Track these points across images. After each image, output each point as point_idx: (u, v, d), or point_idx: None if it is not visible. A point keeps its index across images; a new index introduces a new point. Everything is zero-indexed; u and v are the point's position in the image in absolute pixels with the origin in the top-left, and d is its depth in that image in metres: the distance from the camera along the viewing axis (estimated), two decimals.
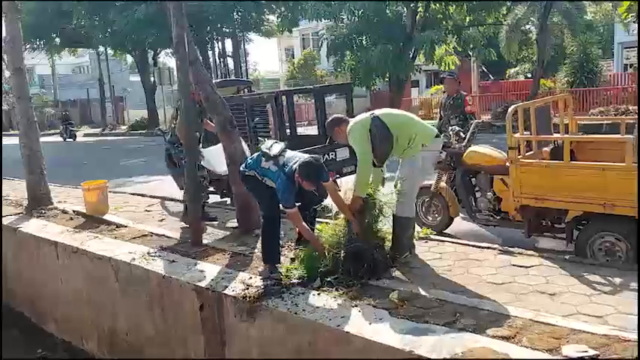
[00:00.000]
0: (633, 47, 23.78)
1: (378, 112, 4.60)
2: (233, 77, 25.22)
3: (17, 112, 7.81)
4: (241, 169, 4.75)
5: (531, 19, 22.48)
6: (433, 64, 22.09)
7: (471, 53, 23.49)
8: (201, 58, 21.96)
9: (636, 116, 10.37)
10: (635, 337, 2.90)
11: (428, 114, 22.75)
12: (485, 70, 29.94)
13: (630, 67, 25.20)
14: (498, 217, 5.51)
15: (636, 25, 15.57)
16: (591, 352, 2.79)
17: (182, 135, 5.79)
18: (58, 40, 32.25)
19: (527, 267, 4.18)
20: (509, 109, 4.95)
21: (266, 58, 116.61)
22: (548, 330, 3.09)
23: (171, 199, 7.80)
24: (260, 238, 4.71)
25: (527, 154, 5.12)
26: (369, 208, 4.41)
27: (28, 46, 31.03)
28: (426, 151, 4.50)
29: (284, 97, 7.50)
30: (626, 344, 2.85)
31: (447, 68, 21.62)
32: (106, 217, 6.81)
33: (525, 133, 5.12)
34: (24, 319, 6.79)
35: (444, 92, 7.84)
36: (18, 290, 6.92)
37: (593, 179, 4.36)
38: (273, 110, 7.10)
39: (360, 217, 4.37)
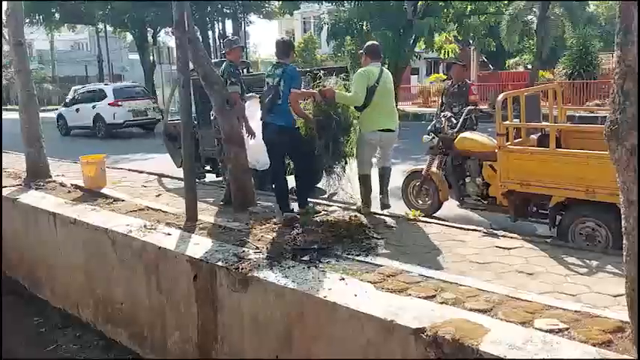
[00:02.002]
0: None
1: (384, 79, 5.49)
2: None
3: (17, 85, 7.91)
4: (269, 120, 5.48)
5: (533, 9, 22.54)
6: (433, 51, 22.16)
7: (471, 42, 23.56)
8: (201, 38, 21.77)
9: None
10: (604, 313, 3.08)
11: (426, 102, 22.86)
12: (485, 59, 30.02)
13: None
14: (486, 202, 5.67)
15: None
16: (561, 326, 2.96)
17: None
18: (57, 15, 32.08)
19: (509, 248, 4.35)
20: (499, 97, 5.09)
21: (267, 40, 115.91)
22: (523, 305, 3.25)
23: (168, 176, 7.93)
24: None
25: (515, 141, 5.27)
26: (331, 109, 5.41)
27: (27, 21, 30.90)
28: (369, 135, 5.51)
29: None
30: (595, 320, 3.02)
31: (446, 56, 21.70)
32: (104, 190, 6.96)
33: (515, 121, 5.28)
34: (19, 287, 6.95)
35: (448, 79, 7.96)
36: (14, 259, 7.06)
37: (577, 167, 4.52)
38: None
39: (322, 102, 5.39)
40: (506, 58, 30.29)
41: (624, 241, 2.62)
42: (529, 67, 27.40)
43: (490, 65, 29.47)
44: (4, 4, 7.80)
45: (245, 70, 9.76)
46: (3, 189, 7.35)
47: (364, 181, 5.68)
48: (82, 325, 5.94)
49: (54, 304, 6.38)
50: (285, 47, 5.61)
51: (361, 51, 5.75)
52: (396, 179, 7.04)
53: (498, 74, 25.82)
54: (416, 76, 32.21)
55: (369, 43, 5.92)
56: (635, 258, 2.57)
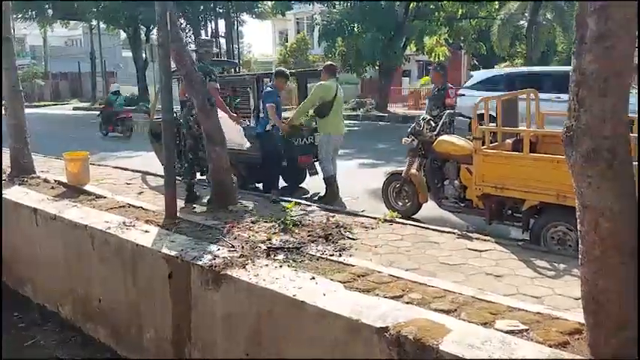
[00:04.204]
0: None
1: (340, 92, 7.22)
2: (224, 58, 25.20)
3: (3, 81, 7.91)
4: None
5: (525, 14, 22.69)
6: (424, 54, 22.26)
7: (462, 45, 23.69)
8: (193, 37, 21.84)
9: None
10: (564, 315, 3.15)
11: (415, 104, 22.94)
12: (476, 63, 30.16)
13: None
14: (463, 205, 5.74)
15: None
16: (521, 327, 3.03)
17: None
18: (50, 11, 31.97)
19: (481, 251, 4.42)
20: (476, 101, 5.16)
21: (261, 40, 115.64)
22: (487, 306, 3.32)
23: (152, 174, 7.96)
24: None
25: (492, 145, 5.34)
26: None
27: (19, 16, 30.82)
28: (333, 137, 7.24)
29: (266, 80, 7.67)
30: (555, 321, 3.09)
31: (437, 59, 21.81)
32: (87, 187, 6.97)
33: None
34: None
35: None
36: None
37: (548, 171, 4.59)
38: (254, 92, 7.28)
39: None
40: (497, 62, 30.44)
41: (580, 245, 2.69)
42: None
43: (481, 69, 29.58)
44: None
45: (233, 70, 9.83)
46: None
47: (332, 181, 7.21)
48: (61, 322, 5.96)
49: (34, 300, 6.39)
50: (274, 75, 7.37)
51: (320, 69, 7.56)
52: (378, 181, 7.13)
53: None
54: (407, 78, 32.30)
55: (327, 63, 7.93)
56: (590, 261, 2.63)
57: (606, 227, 2.51)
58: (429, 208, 6.38)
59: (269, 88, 7.18)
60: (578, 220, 2.67)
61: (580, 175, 2.58)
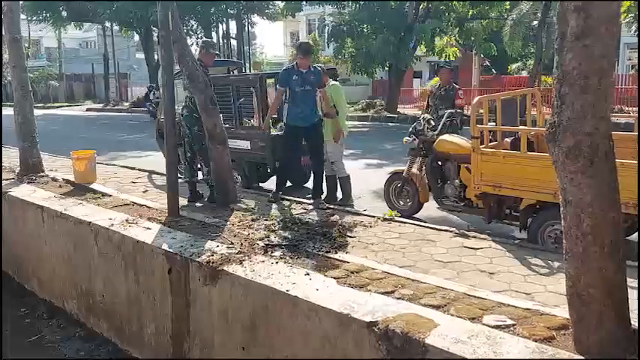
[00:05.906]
0: (637, 48, 23.81)
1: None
2: (235, 59, 25.36)
3: (13, 80, 8.06)
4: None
5: (538, 15, 22.55)
6: (434, 55, 22.23)
7: (473, 46, 23.61)
8: (203, 37, 22.00)
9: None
10: (552, 311, 3.18)
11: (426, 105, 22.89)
12: (488, 64, 30.05)
13: (632, 67, 25.29)
14: (462, 204, 5.76)
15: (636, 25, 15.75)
16: (509, 322, 3.05)
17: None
18: (64, 13, 32.38)
19: (476, 249, 4.45)
20: (474, 100, 5.18)
21: (274, 41, 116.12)
22: (477, 302, 3.35)
23: (158, 173, 8.06)
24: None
25: (491, 144, 5.37)
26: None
27: (34, 18, 31.25)
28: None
29: (270, 80, 7.73)
30: (543, 317, 3.12)
31: (448, 59, 21.75)
32: (93, 186, 7.09)
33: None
34: (8, 278, 7.09)
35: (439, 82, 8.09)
36: (4, 251, 7.20)
37: (545, 170, 4.59)
38: (257, 92, 7.34)
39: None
40: (510, 63, 30.31)
41: (563, 241, 2.72)
42: None
43: (493, 70, 29.49)
44: (3, 3, 7.94)
45: (236, 71, 9.91)
46: None
47: (345, 182, 6.99)
48: (66, 317, 6.06)
49: (40, 296, 6.52)
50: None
51: (320, 69, 7.04)
52: (383, 181, 7.16)
53: (500, 79, 25.85)
54: (419, 79, 32.23)
55: (329, 66, 7.89)
56: (573, 257, 2.66)
57: (588, 224, 2.54)
58: (432, 208, 6.42)
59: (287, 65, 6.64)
60: (562, 216, 2.70)
61: (562, 172, 2.62)
